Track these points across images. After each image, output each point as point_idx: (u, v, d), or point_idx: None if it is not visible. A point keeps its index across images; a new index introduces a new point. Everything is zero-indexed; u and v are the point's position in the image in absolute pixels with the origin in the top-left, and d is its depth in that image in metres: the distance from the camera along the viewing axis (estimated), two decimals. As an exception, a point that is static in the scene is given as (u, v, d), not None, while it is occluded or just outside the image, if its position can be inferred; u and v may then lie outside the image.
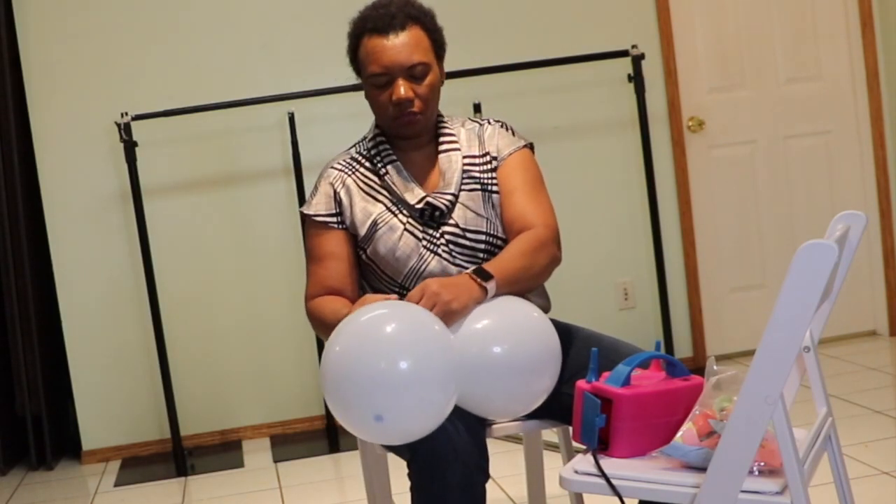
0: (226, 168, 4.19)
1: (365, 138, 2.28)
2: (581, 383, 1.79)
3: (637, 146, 4.20)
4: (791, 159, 4.55)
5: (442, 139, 2.22)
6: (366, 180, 2.21)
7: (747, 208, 4.53)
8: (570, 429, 2.13)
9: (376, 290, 2.22)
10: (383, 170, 2.19)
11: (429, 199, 2.14)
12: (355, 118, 3.29)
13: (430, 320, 1.85)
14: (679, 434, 1.67)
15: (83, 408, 4.18)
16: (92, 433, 4.19)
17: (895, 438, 3.29)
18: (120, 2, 4.11)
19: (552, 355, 1.93)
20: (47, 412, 4.07)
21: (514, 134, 2.25)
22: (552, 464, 2.62)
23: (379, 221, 2.16)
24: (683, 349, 4.47)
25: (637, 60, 4.00)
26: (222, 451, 4.12)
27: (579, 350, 2.07)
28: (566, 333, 2.10)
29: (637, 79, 4.01)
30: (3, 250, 4.01)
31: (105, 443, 4.19)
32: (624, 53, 4.02)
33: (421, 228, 2.15)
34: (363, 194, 2.19)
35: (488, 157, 2.21)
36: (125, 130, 3.78)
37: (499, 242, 2.16)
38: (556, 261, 2.11)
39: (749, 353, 3.94)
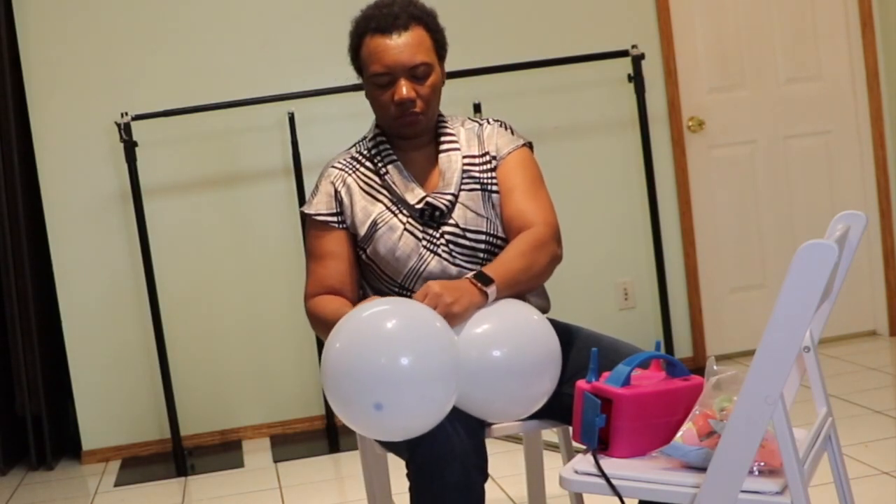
0: (226, 168, 4.19)
1: (365, 138, 2.28)
2: (581, 383, 1.79)
3: (637, 146, 4.20)
4: (791, 159, 4.55)
5: (442, 139, 2.22)
6: (366, 180, 2.21)
7: (747, 208, 4.53)
8: (570, 429, 2.13)
9: (376, 291, 2.22)
10: (384, 169, 2.19)
11: (429, 198, 2.14)
12: (355, 118, 3.30)
13: (432, 317, 1.85)
14: (679, 434, 1.67)
15: (83, 408, 4.18)
16: (92, 433, 4.19)
17: (895, 438, 3.29)
18: (120, 2, 4.11)
19: (552, 358, 1.93)
20: (47, 412, 4.07)
21: (513, 133, 2.25)
22: (552, 464, 2.62)
23: (379, 221, 2.16)
24: (683, 349, 4.47)
25: (637, 60, 4.00)
26: (222, 451, 4.12)
27: (579, 350, 2.08)
28: (566, 333, 2.10)
29: (637, 79, 4.01)
30: (3, 250, 4.01)
31: (105, 443, 4.20)
32: (624, 53, 4.02)
33: (421, 228, 2.15)
34: (363, 194, 2.19)
35: (488, 157, 2.21)
36: (125, 130, 3.78)
37: (499, 242, 2.16)
38: (556, 259, 2.11)
39: (749, 353, 3.94)
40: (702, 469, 1.61)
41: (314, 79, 4.04)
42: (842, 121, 4.56)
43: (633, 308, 4.44)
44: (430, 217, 2.15)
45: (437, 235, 2.14)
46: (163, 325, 3.91)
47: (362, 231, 2.17)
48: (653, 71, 4.30)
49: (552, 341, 1.94)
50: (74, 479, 4.01)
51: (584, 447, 1.77)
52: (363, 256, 2.20)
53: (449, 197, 2.15)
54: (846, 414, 3.54)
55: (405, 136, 2.19)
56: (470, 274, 1.98)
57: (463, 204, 2.16)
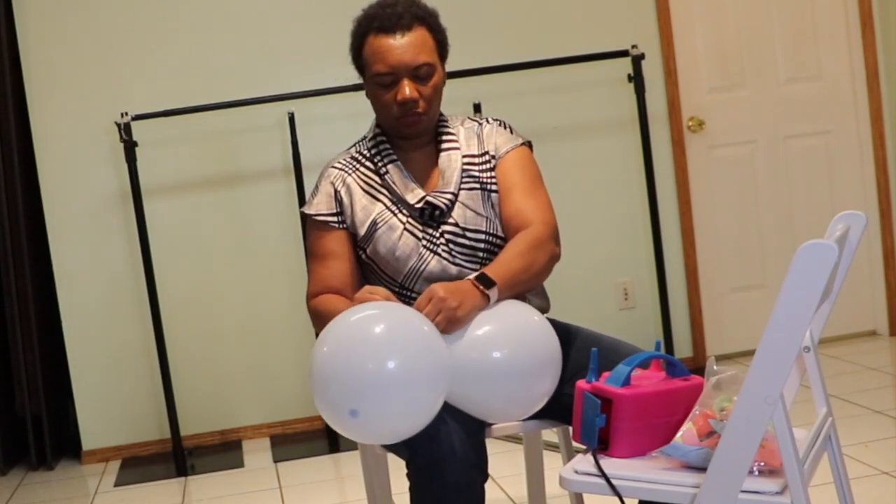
0: (226, 168, 4.19)
1: (365, 138, 2.28)
2: (581, 383, 1.79)
3: (637, 146, 4.20)
4: (791, 159, 4.55)
5: (442, 139, 2.22)
6: (366, 179, 2.21)
7: (747, 208, 4.53)
8: (570, 429, 2.13)
9: (376, 290, 2.22)
10: (384, 169, 2.19)
11: (428, 198, 2.14)
12: (355, 118, 3.30)
13: (419, 321, 1.85)
14: (679, 434, 1.67)
15: (83, 408, 4.18)
16: (92, 433, 4.19)
17: (895, 438, 3.29)
18: (120, 2, 4.11)
19: (552, 360, 1.93)
20: (47, 412, 4.07)
21: (512, 132, 2.25)
22: (552, 464, 2.62)
23: (378, 221, 2.16)
24: (683, 349, 4.47)
25: (637, 60, 3.99)
26: (222, 451, 4.12)
27: (579, 350, 2.07)
28: (566, 333, 2.10)
29: (637, 79, 4.01)
30: (3, 250, 4.01)
31: (105, 443, 4.19)
32: (624, 53, 4.02)
33: (421, 228, 2.15)
34: (363, 193, 2.19)
35: (487, 157, 2.21)
36: (125, 130, 3.78)
37: (498, 241, 2.16)
38: (555, 258, 2.11)
39: (749, 353, 3.94)
40: (702, 469, 1.61)
41: (314, 79, 4.04)
42: (842, 121, 4.56)
43: (633, 308, 4.44)
44: (430, 216, 2.15)
45: (437, 235, 2.14)
46: (163, 325, 3.91)
47: (362, 231, 2.17)
48: (653, 71, 4.30)
49: (552, 342, 1.94)
50: (74, 479, 4.01)
51: (584, 447, 1.77)
52: (363, 256, 2.20)
53: (448, 196, 2.15)
54: (846, 414, 3.54)
55: (407, 136, 2.19)
56: (472, 275, 1.98)
57: (462, 203, 2.16)
